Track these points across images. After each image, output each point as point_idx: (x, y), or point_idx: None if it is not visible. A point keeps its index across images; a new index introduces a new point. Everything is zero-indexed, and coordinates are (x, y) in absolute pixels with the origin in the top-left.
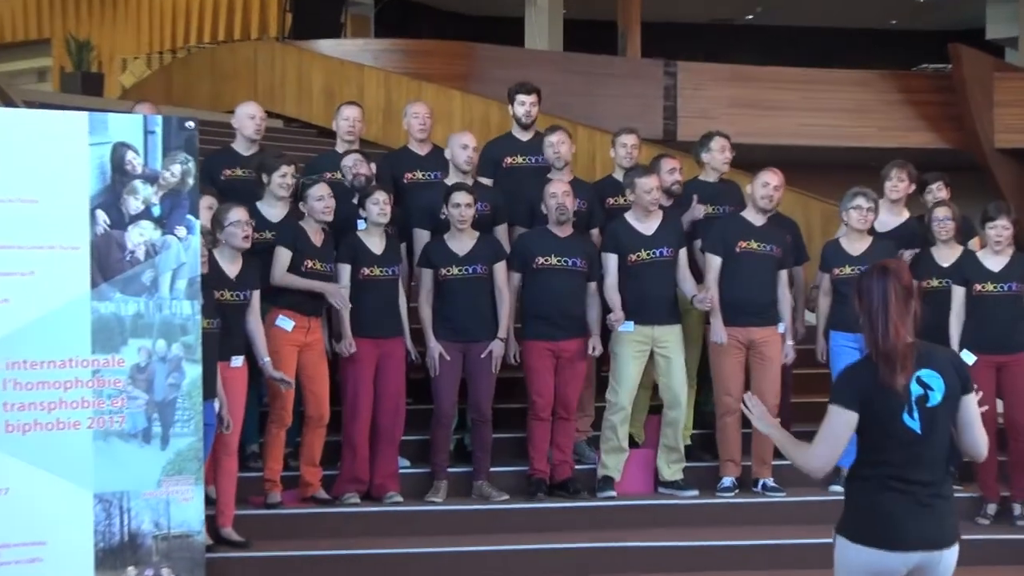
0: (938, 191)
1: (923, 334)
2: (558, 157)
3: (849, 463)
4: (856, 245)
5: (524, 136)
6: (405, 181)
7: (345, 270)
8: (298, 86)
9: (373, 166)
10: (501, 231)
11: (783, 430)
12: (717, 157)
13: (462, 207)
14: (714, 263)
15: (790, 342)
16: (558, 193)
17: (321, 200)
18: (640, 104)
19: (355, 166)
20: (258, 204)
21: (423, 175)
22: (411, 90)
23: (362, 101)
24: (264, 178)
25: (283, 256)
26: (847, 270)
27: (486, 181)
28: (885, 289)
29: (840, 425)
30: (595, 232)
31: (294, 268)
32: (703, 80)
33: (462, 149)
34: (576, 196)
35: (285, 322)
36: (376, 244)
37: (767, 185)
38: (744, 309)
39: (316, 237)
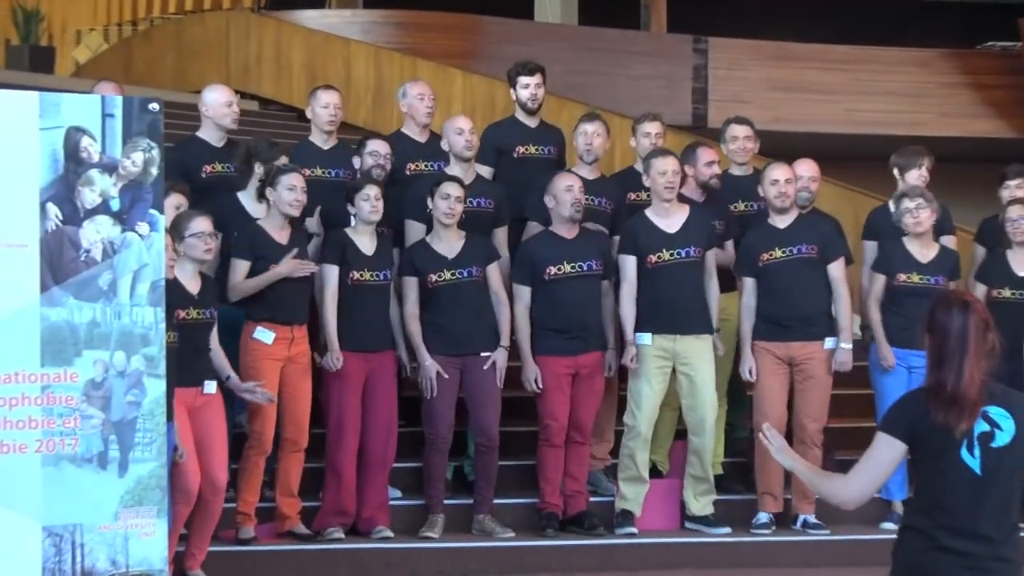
0: (1017, 188)
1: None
2: (589, 150)
3: (904, 496)
4: (924, 251)
5: (531, 122)
6: (408, 172)
7: (332, 273)
8: (276, 63)
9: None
10: (500, 235)
11: (807, 463)
12: (734, 148)
13: (452, 199)
14: (746, 286)
15: (846, 344)
16: (575, 187)
17: (292, 191)
18: (666, 86)
19: (384, 155)
20: (240, 196)
21: (427, 166)
22: (405, 68)
23: (349, 80)
24: (256, 165)
25: (240, 269)
26: (915, 278)
27: (484, 171)
28: (965, 327)
29: (885, 456)
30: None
31: (258, 272)
32: (738, 58)
33: (457, 135)
34: (603, 195)
35: (265, 334)
36: (367, 244)
37: (776, 183)
38: (782, 323)
39: (280, 234)
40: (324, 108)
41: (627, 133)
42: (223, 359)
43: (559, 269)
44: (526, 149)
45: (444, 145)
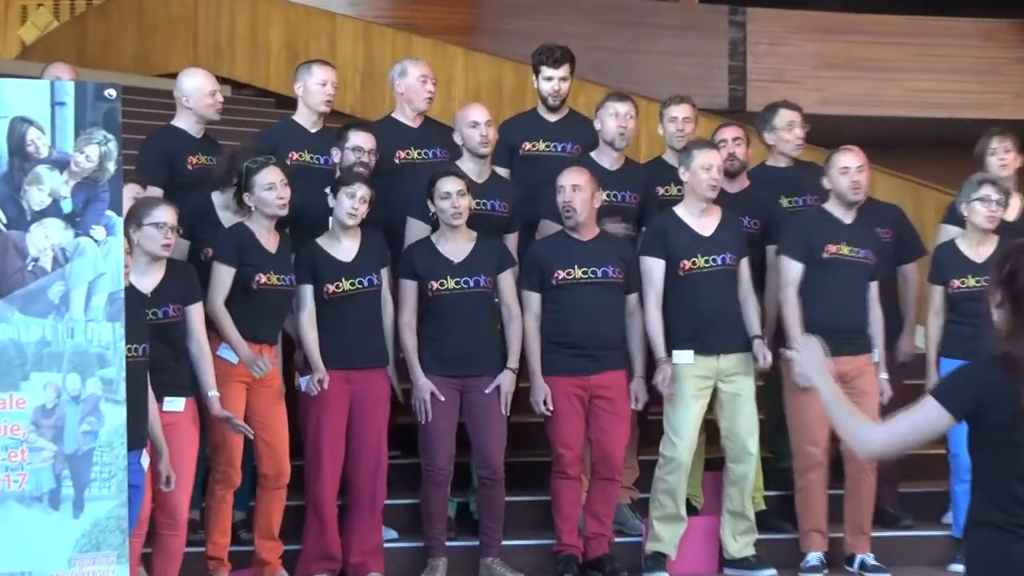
0: (1004, 155)
1: None
2: (623, 134)
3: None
4: (980, 249)
5: (551, 116)
6: (397, 161)
7: (307, 292)
8: (251, 42)
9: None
10: (512, 240)
11: (841, 393)
12: (784, 136)
13: (453, 196)
14: (792, 273)
15: (884, 375)
16: (566, 187)
17: (272, 189)
18: (698, 64)
19: (368, 151)
20: (214, 197)
21: (419, 154)
22: (398, 46)
23: (335, 61)
24: (234, 178)
25: (223, 277)
26: (970, 281)
27: (501, 171)
28: None
29: (928, 423)
30: (616, 228)
31: (243, 287)
32: (780, 32)
33: (471, 128)
34: (627, 187)
35: (229, 352)
36: (343, 249)
37: (847, 171)
38: (832, 333)
39: (268, 240)
40: (321, 86)
41: (653, 119)
42: (208, 373)
43: (568, 273)
44: (534, 145)
45: (457, 138)
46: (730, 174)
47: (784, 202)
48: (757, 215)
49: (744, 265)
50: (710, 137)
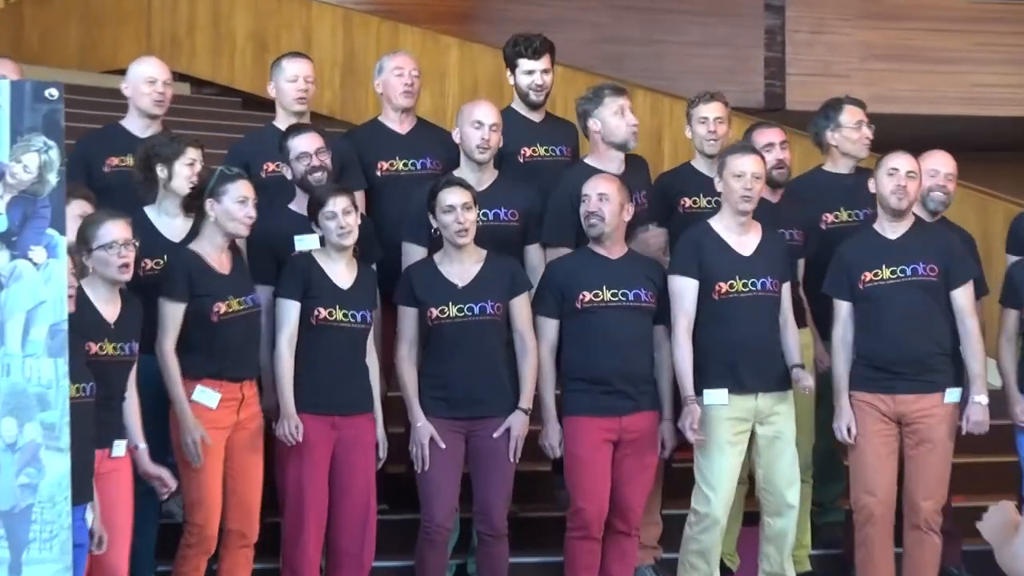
0: None
1: None
2: (636, 132)
3: None
4: None
5: (536, 116)
6: (378, 173)
7: (291, 311)
8: (213, 32)
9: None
10: (534, 255)
11: None
12: (851, 136)
13: (458, 210)
14: (841, 311)
15: (979, 398)
16: (591, 195)
17: (243, 204)
18: (730, 56)
19: (315, 153)
20: (148, 212)
21: (405, 164)
22: (385, 37)
23: (310, 53)
24: (160, 171)
25: (172, 314)
26: None
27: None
28: None
29: None
30: (655, 234)
31: (200, 321)
32: (825, 18)
33: (474, 128)
34: (631, 188)
35: (207, 395)
36: (340, 273)
37: (895, 173)
38: (889, 367)
39: (221, 261)
40: (291, 83)
41: (678, 119)
42: (135, 418)
43: (596, 295)
44: (534, 151)
45: (455, 135)
46: (778, 183)
47: (843, 214)
48: (801, 227)
49: (786, 290)
50: (743, 139)
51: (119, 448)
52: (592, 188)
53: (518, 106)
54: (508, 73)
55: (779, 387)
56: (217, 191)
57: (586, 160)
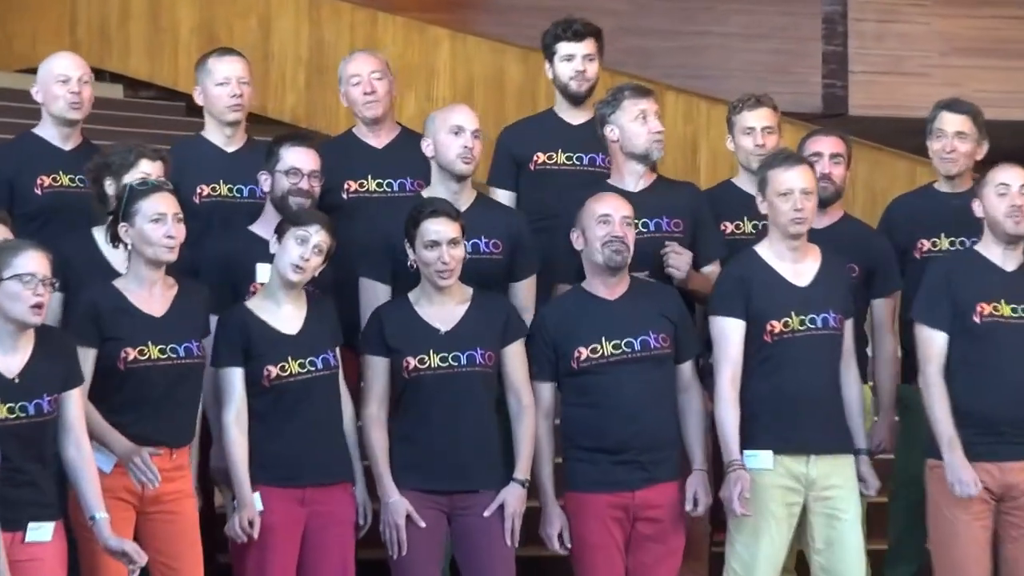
0: None
1: None
2: (660, 141)
3: None
4: None
5: (576, 117)
6: (344, 195)
7: (235, 379)
8: (151, 24)
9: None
10: (525, 290)
11: None
12: (938, 148)
13: (443, 246)
14: (934, 345)
15: None
16: (615, 217)
17: (159, 223)
18: (781, 50)
19: (309, 175)
20: (97, 236)
21: (378, 185)
22: (360, 28)
23: (269, 50)
24: (108, 187)
25: (81, 359)
26: None
27: (503, 196)
28: None
29: None
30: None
31: (107, 369)
32: (896, 3)
33: (451, 135)
34: (664, 213)
35: (101, 458)
36: (284, 316)
37: (1006, 191)
38: (994, 427)
39: (150, 299)
40: (221, 86)
41: (717, 127)
42: (92, 488)
43: (594, 350)
44: (550, 157)
45: (426, 148)
46: (823, 202)
47: (944, 242)
48: (857, 256)
49: (848, 329)
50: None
51: (37, 531)
52: (614, 208)
53: (560, 107)
54: (547, 67)
55: (842, 448)
56: (129, 211)
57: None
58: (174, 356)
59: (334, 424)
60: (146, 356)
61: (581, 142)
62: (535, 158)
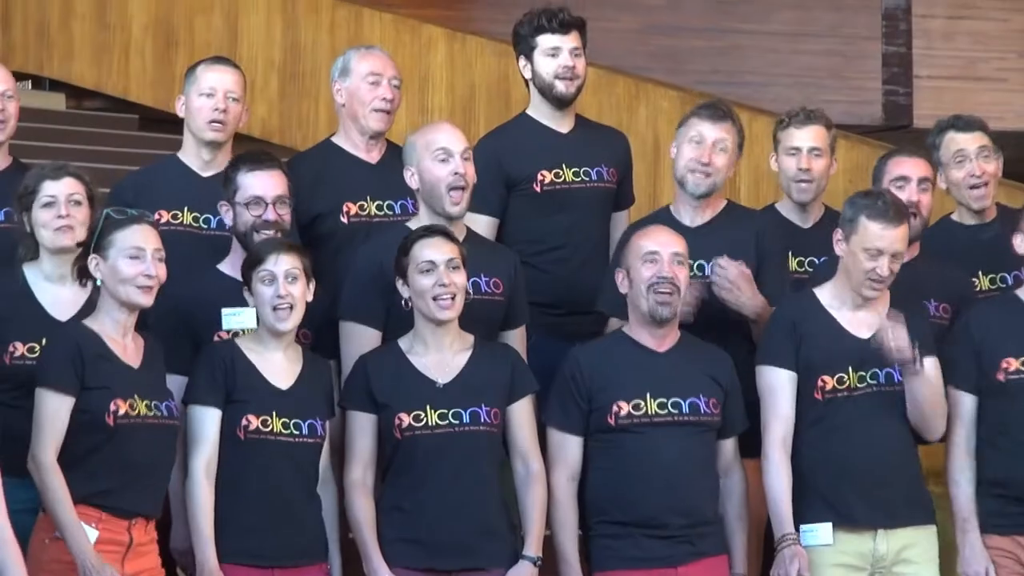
0: None
1: None
2: (708, 172)
3: None
4: None
5: (563, 124)
6: (346, 219)
7: (210, 422)
8: (98, 23)
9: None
10: (518, 340)
11: None
12: (958, 175)
13: (441, 269)
14: (961, 407)
15: None
16: (663, 255)
17: (138, 258)
18: (834, 52)
19: (274, 203)
20: (27, 271)
21: (379, 207)
22: (342, 26)
23: (236, 52)
24: (25, 220)
25: (53, 412)
26: None
27: (482, 222)
28: None
29: None
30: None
31: (89, 424)
32: None
33: (436, 162)
34: (722, 249)
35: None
36: (275, 366)
37: None
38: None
39: (126, 347)
40: (205, 98)
41: (760, 143)
42: (15, 560)
43: (637, 407)
44: (556, 175)
45: (410, 180)
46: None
47: (983, 281)
48: (942, 293)
49: (930, 376)
50: (872, 171)
51: None
52: (664, 244)
53: (536, 112)
54: (522, 63)
55: (912, 520)
56: (102, 243)
57: (669, 206)
58: (159, 415)
59: (309, 495)
60: (136, 411)
61: (578, 153)
62: (540, 177)
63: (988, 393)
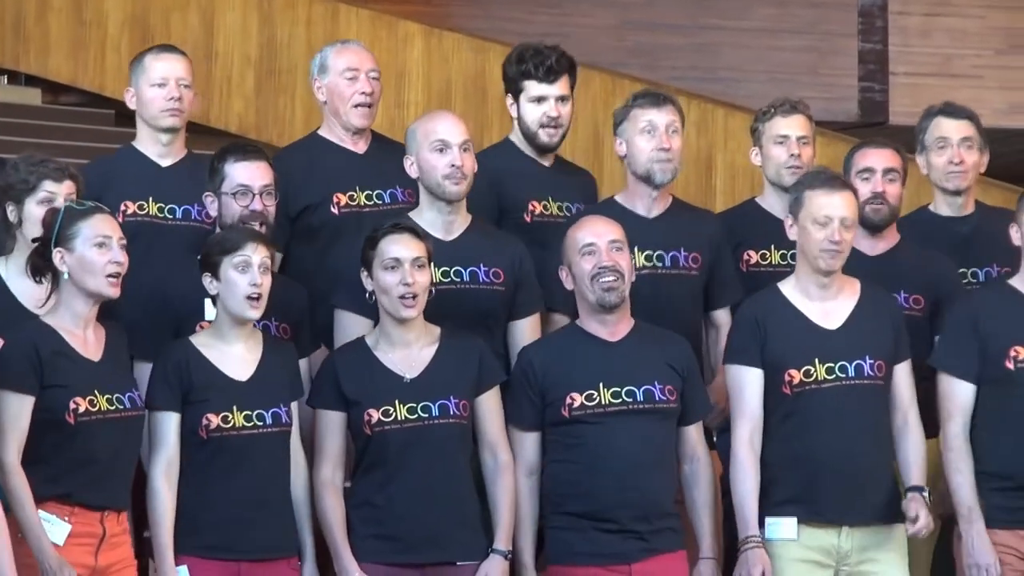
0: None
1: None
2: (665, 163)
3: None
4: None
5: (546, 158)
6: (336, 211)
7: (169, 425)
8: (74, 18)
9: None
10: (528, 330)
11: None
12: (940, 162)
13: (405, 268)
14: (957, 398)
15: None
16: (600, 245)
17: (104, 248)
18: (810, 48)
19: (260, 193)
20: (1, 264)
21: (368, 197)
22: (318, 22)
23: (213, 48)
24: (10, 212)
25: (14, 412)
26: None
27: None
28: None
29: None
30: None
31: (50, 422)
32: None
33: (435, 152)
34: (681, 245)
35: (50, 527)
36: (234, 358)
37: None
38: None
39: (86, 340)
40: (156, 87)
41: (738, 138)
42: (8, 565)
43: (590, 397)
44: (544, 206)
45: (410, 169)
46: (875, 226)
47: (966, 273)
48: (919, 287)
49: (901, 375)
50: (842, 165)
51: None
52: (602, 234)
53: (519, 141)
54: (509, 101)
55: (878, 518)
56: (65, 235)
57: (616, 197)
58: (121, 408)
59: (280, 489)
60: (96, 407)
61: (560, 188)
62: (530, 207)
63: (991, 382)
